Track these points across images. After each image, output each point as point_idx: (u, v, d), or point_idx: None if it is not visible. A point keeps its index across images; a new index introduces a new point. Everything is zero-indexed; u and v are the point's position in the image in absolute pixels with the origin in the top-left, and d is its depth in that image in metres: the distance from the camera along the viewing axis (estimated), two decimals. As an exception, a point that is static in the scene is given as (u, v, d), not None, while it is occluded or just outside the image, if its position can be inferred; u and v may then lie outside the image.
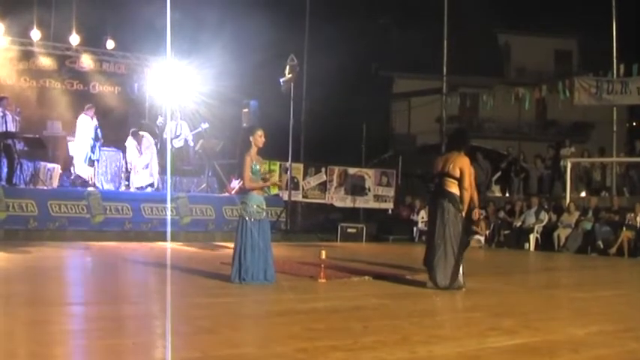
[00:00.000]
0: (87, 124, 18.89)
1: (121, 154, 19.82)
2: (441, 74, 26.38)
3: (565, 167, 22.24)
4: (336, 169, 23.35)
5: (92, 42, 22.14)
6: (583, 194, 22.79)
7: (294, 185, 22.09)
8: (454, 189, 9.59)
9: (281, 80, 20.87)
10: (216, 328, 6.62)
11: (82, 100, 21.82)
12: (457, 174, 9.57)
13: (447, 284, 9.49)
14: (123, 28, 22.79)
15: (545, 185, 23.77)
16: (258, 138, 9.62)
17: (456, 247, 9.55)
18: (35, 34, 20.89)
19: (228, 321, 7.08)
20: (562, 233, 19.37)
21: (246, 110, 21.74)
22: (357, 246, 19.31)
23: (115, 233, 17.48)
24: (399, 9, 35.23)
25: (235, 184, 19.49)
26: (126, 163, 19.67)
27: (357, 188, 23.33)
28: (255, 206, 9.48)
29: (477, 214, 10.17)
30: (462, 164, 9.63)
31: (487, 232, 20.80)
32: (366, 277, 10.82)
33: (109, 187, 19.44)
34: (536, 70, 37.73)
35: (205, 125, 20.87)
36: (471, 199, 9.74)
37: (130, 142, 19.45)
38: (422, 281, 10.05)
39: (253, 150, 9.59)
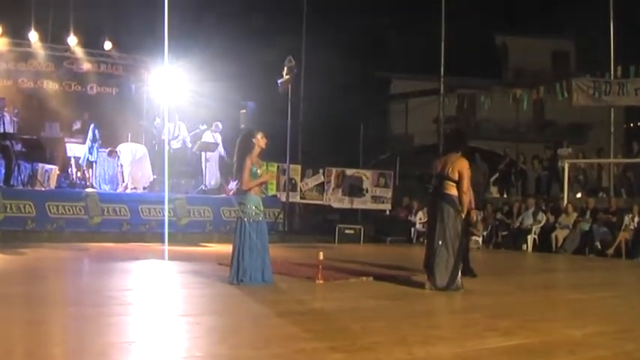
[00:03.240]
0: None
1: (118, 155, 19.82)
2: (438, 75, 26.39)
3: (563, 168, 22.27)
4: (334, 171, 23.35)
5: (90, 43, 22.16)
6: (579, 195, 22.81)
7: (292, 186, 22.08)
8: (453, 191, 9.58)
9: (278, 81, 20.84)
10: (214, 329, 6.63)
11: (79, 101, 21.87)
12: (456, 177, 9.57)
13: (444, 285, 9.50)
14: (120, 30, 22.84)
15: (542, 186, 23.78)
16: (261, 139, 9.62)
17: (456, 249, 9.55)
18: (33, 36, 20.91)
19: (227, 322, 7.09)
20: (560, 234, 19.38)
21: (243, 111, 21.76)
22: (355, 247, 19.31)
23: (113, 234, 17.47)
24: (397, 10, 35.24)
25: (233, 185, 19.50)
26: (121, 167, 19.68)
27: (354, 189, 23.33)
28: (253, 207, 9.49)
29: (474, 215, 10.14)
30: (460, 167, 9.63)
31: (485, 233, 20.80)
32: (364, 278, 10.82)
33: (106, 188, 19.44)
34: (534, 71, 37.71)
35: (203, 127, 20.87)
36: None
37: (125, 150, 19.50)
38: (420, 282, 10.06)
39: (255, 152, 9.59)
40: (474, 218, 10.37)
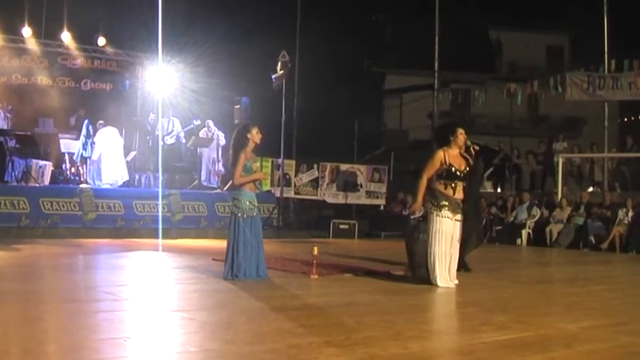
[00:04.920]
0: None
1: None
2: (432, 70, 26.41)
3: (557, 163, 22.30)
4: (328, 166, 23.36)
5: (84, 39, 22.10)
6: (589, 190, 22.82)
7: (286, 182, 22.08)
8: (434, 185, 9.47)
9: (273, 76, 20.84)
10: (209, 324, 6.62)
11: (73, 97, 21.82)
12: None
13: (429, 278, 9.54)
14: (114, 26, 22.78)
15: (537, 181, 23.82)
16: (255, 135, 9.60)
17: (427, 243, 9.48)
18: (26, 32, 20.84)
19: (221, 317, 7.08)
20: (554, 229, 19.42)
21: (238, 107, 21.69)
22: (350, 242, 19.30)
23: (107, 230, 17.43)
24: (391, 5, 35.26)
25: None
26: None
27: (349, 184, 23.34)
28: (247, 202, 9.48)
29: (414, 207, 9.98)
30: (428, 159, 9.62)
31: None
32: (359, 274, 10.82)
33: (100, 184, 19.38)
34: (528, 65, 37.78)
35: (197, 122, 20.84)
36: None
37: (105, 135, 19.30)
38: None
39: (249, 147, 9.58)
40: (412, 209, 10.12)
